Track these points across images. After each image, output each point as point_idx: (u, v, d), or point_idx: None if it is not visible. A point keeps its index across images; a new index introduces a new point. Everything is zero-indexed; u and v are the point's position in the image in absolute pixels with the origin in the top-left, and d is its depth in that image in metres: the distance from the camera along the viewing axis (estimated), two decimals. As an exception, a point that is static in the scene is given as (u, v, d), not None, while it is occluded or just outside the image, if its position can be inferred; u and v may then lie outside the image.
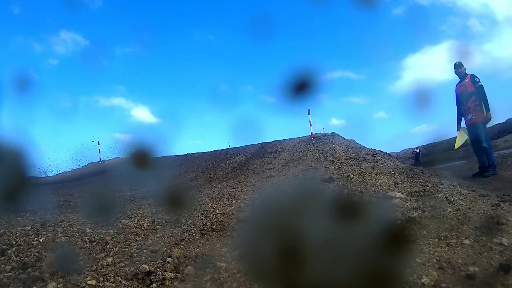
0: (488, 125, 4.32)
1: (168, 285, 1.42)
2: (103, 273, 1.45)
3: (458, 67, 4.38)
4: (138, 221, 2.23)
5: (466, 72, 4.36)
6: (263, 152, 6.06)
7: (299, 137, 6.84)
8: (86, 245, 1.72)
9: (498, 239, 1.62)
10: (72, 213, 2.37)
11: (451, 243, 1.66)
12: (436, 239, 1.72)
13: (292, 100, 0.65)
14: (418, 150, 12.69)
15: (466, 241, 1.66)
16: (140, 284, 1.41)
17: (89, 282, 1.37)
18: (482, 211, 2.08)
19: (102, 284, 1.38)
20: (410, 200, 2.49)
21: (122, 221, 2.16)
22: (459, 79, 4.45)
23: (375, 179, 3.24)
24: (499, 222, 1.80)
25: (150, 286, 1.41)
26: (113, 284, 1.38)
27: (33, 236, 1.74)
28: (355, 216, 0.41)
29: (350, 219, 0.41)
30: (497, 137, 8.96)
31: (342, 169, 3.84)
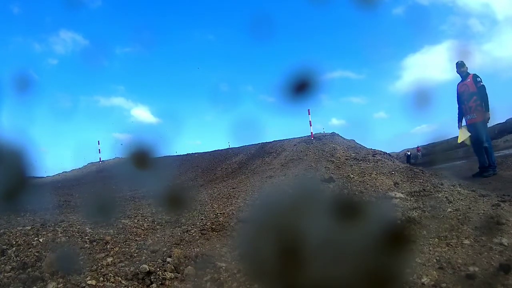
0: (488, 125, 4.33)
1: (168, 285, 1.42)
2: (103, 273, 1.45)
3: (460, 66, 4.37)
4: (138, 221, 2.23)
5: (468, 71, 4.36)
6: (263, 152, 6.06)
7: (299, 137, 6.84)
8: (86, 245, 1.72)
9: (498, 239, 1.62)
10: (72, 213, 2.37)
11: (451, 243, 1.66)
12: (436, 239, 1.72)
13: (292, 100, 0.65)
14: (409, 153, 12.81)
15: (466, 241, 1.66)
16: (140, 284, 1.41)
17: (89, 282, 1.37)
18: (482, 211, 2.08)
19: (102, 284, 1.38)
20: (410, 200, 2.49)
21: (122, 221, 2.16)
22: (460, 78, 4.44)
23: (375, 179, 3.24)
24: (499, 222, 1.80)
25: (150, 286, 1.41)
26: (113, 284, 1.38)
27: (33, 236, 1.74)
28: (355, 216, 0.41)
29: (350, 219, 0.41)
30: (497, 137, 8.97)
31: (342, 169, 3.84)
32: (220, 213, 2.40)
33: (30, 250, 1.59)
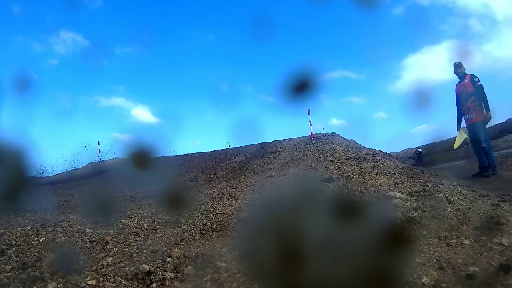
0: (488, 125, 4.33)
1: (168, 285, 1.42)
2: (103, 273, 1.45)
3: (458, 67, 4.38)
4: (138, 221, 2.23)
5: (465, 72, 4.37)
6: (263, 152, 6.06)
7: (299, 137, 6.84)
8: (86, 245, 1.72)
9: (498, 239, 1.62)
10: (72, 213, 2.37)
11: (451, 243, 1.66)
12: (436, 239, 1.72)
13: (292, 100, 0.65)
14: (420, 150, 12.68)
15: (466, 241, 1.66)
16: (140, 284, 1.41)
17: (89, 282, 1.37)
18: (482, 211, 2.08)
19: (102, 284, 1.38)
20: (410, 200, 2.49)
21: (122, 221, 2.16)
22: (458, 79, 4.45)
23: (375, 179, 3.24)
24: (499, 222, 1.80)
25: (150, 286, 1.41)
26: (113, 284, 1.38)
27: (33, 236, 1.74)
28: (355, 216, 0.41)
29: (350, 219, 0.41)
30: (497, 137, 8.97)
31: (342, 169, 3.84)
32: (220, 213, 2.40)
33: (30, 250, 1.59)
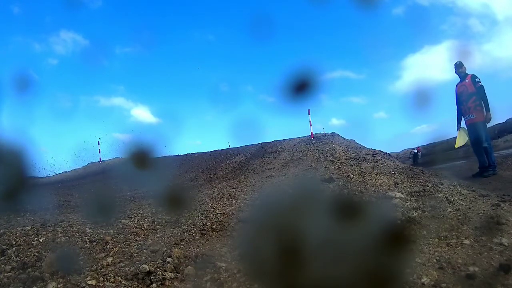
0: (488, 125, 4.33)
1: (168, 285, 1.42)
2: (103, 273, 1.45)
3: (459, 67, 4.37)
4: (138, 221, 2.23)
5: (466, 72, 4.36)
6: (263, 152, 6.06)
7: (299, 137, 6.84)
8: (86, 245, 1.72)
9: (498, 239, 1.62)
10: (72, 213, 2.37)
11: (451, 243, 1.66)
12: (436, 239, 1.72)
13: (292, 100, 0.65)
14: (416, 151, 12.68)
15: (466, 241, 1.66)
16: (140, 284, 1.41)
17: (89, 282, 1.37)
18: (482, 211, 2.08)
19: (102, 284, 1.38)
20: (410, 200, 2.49)
21: (122, 221, 2.16)
22: (459, 79, 4.44)
23: (375, 179, 3.24)
24: (499, 222, 1.80)
25: (150, 286, 1.41)
26: (113, 284, 1.38)
27: (33, 236, 1.74)
28: (355, 216, 0.41)
29: (350, 219, 0.41)
30: (497, 137, 8.96)
31: (342, 169, 3.84)
32: (220, 213, 2.40)
33: (30, 250, 1.59)
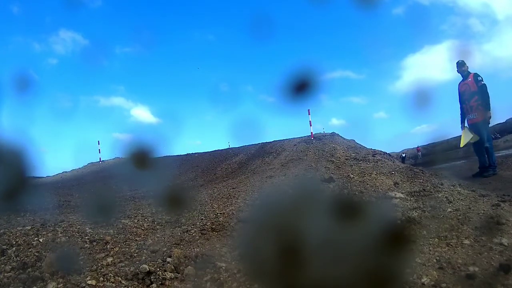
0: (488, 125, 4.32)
1: (168, 285, 1.42)
2: (103, 273, 1.45)
3: (461, 65, 4.36)
4: (138, 221, 2.23)
5: (468, 70, 4.35)
6: (263, 152, 6.06)
7: (299, 137, 6.85)
8: (86, 245, 1.72)
9: (498, 239, 1.62)
10: (72, 213, 2.37)
11: (451, 243, 1.66)
12: (436, 239, 1.72)
13: (292, 100, 0.65)
14: (404, 155, 12.98)
15: (466, 241, 1.66)
16: (140, 284, 1.41)
17: (89, 282, 1.37)
18: (482, 211, 2.08)
19: (102, 284, 1.38)
20: (410, 200, 2.49)
21: (122, 221, 2.16)
22: (461, 78, 4.43)
23: (375, 179, 3.24)
24: (499, 222, 1.80)
25: (150, 286, 1.41)
26: (113, 284, 1.38)
27: (33, 236, 1.74)
28: (355, 216, 0.41)
29: (350, 219, 0.41)
30: (497, 137, 8.97)
31: (342, 169, 3.84)
32: (220, 213, 2.40)
33: (30, 250, 1.59)
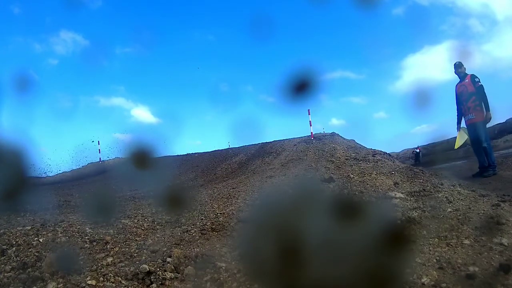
0: (488, 125, 4.33)
1: (168, 285, 1.42)
2: (103, 273, 1.45)
3: (458, 67, 4.38)
4: (138, 221, 2.23)
5: (466, 72, 4.37)
6: (263, 152, 6.07)
7: (299, 137, 6.85)
8: (86, 245, 1.72)
9: (498, 239, 1.62)
10: (72, 213, 2.37)
11: (451, 243, 1.65)
12: (436, 239, 1.72)
13: (292, 100, 0.65)
14: (418, 150, 12.71)
15: (466, 241, 1.66)
16: (140, 284, 1.41)
17: (89, 282, 1.37)
18: (482, 211, 2.08)
19: (102, 284, 1.38)
20: (410, 200, 2.49)
21: (122, 221, 2.16)
22: (459, 79, 4.45)
23: (375, 179, 3.24)
24: (499, 222, 1.80)
25: (150, 286, 1.41)
26: (113, 284, 1.38)
27: (33, 236, 1.74)
28: (355, 216, 0.41)
29: (350, 219, 0.41)
30: (497, 137, 8.97)
31: (342, 169, 3.84)
32: (220, 213, 2.40)
33: (30, 250, 1.59)
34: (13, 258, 1.52)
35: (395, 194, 2.66)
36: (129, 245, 1.79)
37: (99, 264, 1.53)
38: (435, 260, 1.50)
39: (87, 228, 1.91)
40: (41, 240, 1.70)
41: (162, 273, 1.47)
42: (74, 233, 1.85)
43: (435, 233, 1.79)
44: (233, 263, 1.54)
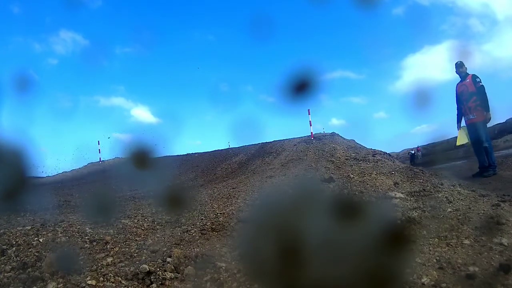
0: (488, 125, 4.33)
1: (168, 285, 1.42)
2: (103, 273, 1.45)
3: (459, 66, 4.37)
4: (138, 221, 2.23)
5: (467, 72, 4.36)
6: (263, 152, 6.07)
7: (299, 137, 6.85)
8: (86, 245, 1.72)
9: (498, 239, 1.62)
10: (72, 213, 2.37)
11: (451, 243, 1.65)
12: (436, 239, 1.72)
13: (292, 100, 0.65)
14: (413, 152, 12.72)
15: (466, 241, 1.66)
16: (140, 284, 1.41)
17: (89, 282, 1.37)
18: (482, 211, 2.08)
19: (102, 284, 1.38)
20: (410, 200, 2.49)
21: (122, 221, 2.16)
22: (460, 79, 4.44)
23: (375, 179, 3.24)
24: (499, 222, 1.80)
25: (150, 286, 1.41)
26: (113, 284, 1.38)
27: (33, 236, 1.74)
28: (355, 216, 0.41)
29: (350, 219, 0.41)
30: (497, 137, 8.97)
31: (342, 169, 3.84)
32: (220, 213, 2.40)
33: (30, 250, 1.59)
34: (13, 258, 1.52)
35: (395, 194, 2.66)
36: (129, 245, 1.79)
37: (99, 264, 1.53)
38: (435, 260, 1.50)
39: (87, 228, 1.91)
40: (41, 240, 1.70)
41: (162, 273, 1.47)
42: (74, 233, 1.85)
43: (435, 233, 1.79)
44: (233, 263, 1.54)
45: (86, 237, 1.80)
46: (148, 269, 1.46)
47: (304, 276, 0.40)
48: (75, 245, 1.72)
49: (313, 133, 6.88)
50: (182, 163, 7.22)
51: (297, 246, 0.40)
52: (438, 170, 4.44)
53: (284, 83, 0.64)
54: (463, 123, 4.47)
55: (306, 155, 5.09)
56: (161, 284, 1.42)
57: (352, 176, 3.43)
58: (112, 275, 1.43)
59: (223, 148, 8.25)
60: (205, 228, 2.07)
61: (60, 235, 1.81)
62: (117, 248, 1.72)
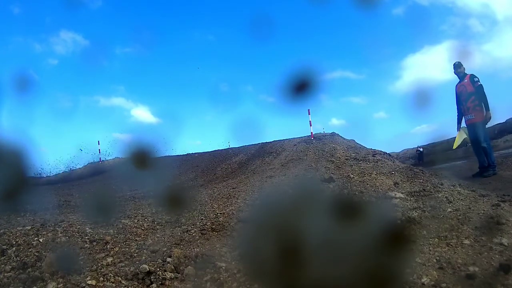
0: (488, 125, 4.33)
1: (168, 285, 1.42)
2: (103, 273, 1.45)
3: (457, 67, 4.38)
4: (138, 221, 2.23)
5: (465, 72, 4.37)
6: (263, 152, 6.06)
7: (299, 137, 6.85)
8: (86, 245, 1.72)
9: (498, 239, 1.62)
10: (72, 213, 2.37)
11: (451, 243, 1.65)
12: (436, 239, 1.72)
13: (292, 100, 0.65)
14: (421, 149, 12.68)
15: (466, 241, 1.66)
16: (140, 284, 1.41)
17: (89, 282, 1.37)
18: (482, 211, 2.08)
19: (102, 284, 1.38)
20: (410, 200, 2.49)
21: (122, 221, 2.16)
22: (458, 79, 4.45)
23: (375, 179, 3.24)
24: (499, 222, 1.80)
25: (150, 286, 1.41)
26: (113, 284, 1.38)
27: (33, 236, 1.74)
28: (355, 216, 0.41)
29: (350, 219, 0.41)
30: (497, 137, 8.97)
31: (342, 169, 3.84)
32: (220, 213, 2.40)
33: (30, 250, 1.59)
34: (13, 258, 1.52)
35: (395, 194, 2.66)
36: (129, 245, 1.79)
37: (99, 264, 1.53)
38: (435, 260, 1.50)
39: (87, 228, 1.91)
40: (41, 240, 1.70)
41: (162, 273, 1.47)
42: (74, 233, 1.85)
43: (435, 233, 1.79)
44: (233, 263, 1.54)
45: (86, 237, 1.80)
46: (148, 269, 1.46)
47: (304, 276, 0.40)
48: (75, 245, 1.72)
49: (313, 133, 6.88)
50: (182, 163, 7.22)
51: (297, 246, 0.40)
52: (438, 170, 4.45)
53: (284, 83, 0.64)
54: (463, 123, 4.47)
55: (306, 155, 5.09)
56: (161, 284, 1.42)
57: (352, 176, 3.43)
58: (112, 275, 1.43)
59: (223, 148, 8.25)
60: (205, 228, 2.07)
61: (60, 235, 1.81)
62: (117, 248, 1.72)
